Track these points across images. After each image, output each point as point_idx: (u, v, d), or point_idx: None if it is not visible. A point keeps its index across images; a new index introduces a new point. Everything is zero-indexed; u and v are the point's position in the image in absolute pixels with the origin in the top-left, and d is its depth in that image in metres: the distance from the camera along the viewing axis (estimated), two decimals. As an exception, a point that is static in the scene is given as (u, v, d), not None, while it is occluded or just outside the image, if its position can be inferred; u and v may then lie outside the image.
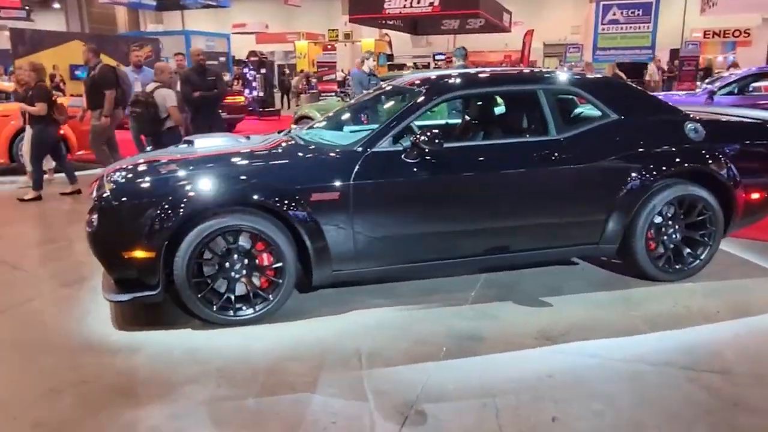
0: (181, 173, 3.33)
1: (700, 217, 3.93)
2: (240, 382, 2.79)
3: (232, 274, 3.33)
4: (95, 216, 3.24)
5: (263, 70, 16.25)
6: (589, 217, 3.77)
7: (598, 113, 3.91)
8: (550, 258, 4.03)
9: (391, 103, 4.49)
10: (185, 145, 3.98)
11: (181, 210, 3.15)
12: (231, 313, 3.33)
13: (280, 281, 3.36)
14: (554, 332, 3.27)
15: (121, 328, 3.38)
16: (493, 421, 2.46)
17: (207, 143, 3.85)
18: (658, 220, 3.89)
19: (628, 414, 2.52)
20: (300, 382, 2.79)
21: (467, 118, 4.76)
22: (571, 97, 4.45)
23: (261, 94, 16.19)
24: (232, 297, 3.34)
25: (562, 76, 3.97)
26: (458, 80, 3.83)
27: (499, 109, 4.54)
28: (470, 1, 20.48)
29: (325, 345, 3.15)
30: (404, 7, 20.57)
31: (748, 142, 4.04)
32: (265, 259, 3.38)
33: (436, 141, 3.35)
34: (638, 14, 22.85)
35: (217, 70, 7.79)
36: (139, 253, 3.18)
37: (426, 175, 3.46)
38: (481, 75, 3.96)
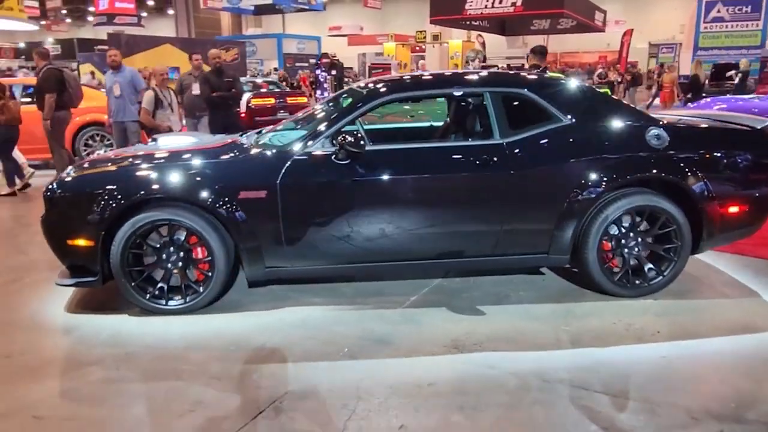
0: (121, 168, 3.57)
1: (663, 231, 3.68)
2: (137, 367, 2.97)
3: (167, 265, 3.53)
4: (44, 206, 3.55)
5: (333, 72, 16.66)
6: (535, 226, 3.63)
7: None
8: (498, 267, 3.92)
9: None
10: (152, 143, 4.23)
11: (115, 202, 3.38)
12: (163, 302, 3.53)
13: (210, 274, 3.52)
14: (468, 341, 3.19)
15: (71, 310, 3.67)
16: (340, 424, 2.47)
17: (168, 141, 4.08)
18: (614, 231, 3.69)
19: (482, 428, 2.45)
20: (190, 370, 2.93)
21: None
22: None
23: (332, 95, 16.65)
24: (165, 287, 3.53)
25: (511, 77, 3.84)
26: (399, 83, 3.81)
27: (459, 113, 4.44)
28: (555, 0, 19.93)
29: (237, 337, 3.27)
30: (485, 7, 20.38)
31: (723, 150, 3.72)
32: (200, 252, 3.55)
33: (361, 143, 3.37)
34: (746, 11, 21.20)
35: (234, 72, 8.05)
36: (81, 242, 3.45)
37: (355, 177, 3.48)
38: (424, 78, 3.92)
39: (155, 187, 3.42)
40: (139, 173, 3.50)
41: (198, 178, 3.45)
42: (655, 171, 3.60)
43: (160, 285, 3.53)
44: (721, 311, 3.56)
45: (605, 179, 3.56)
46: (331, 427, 2.45)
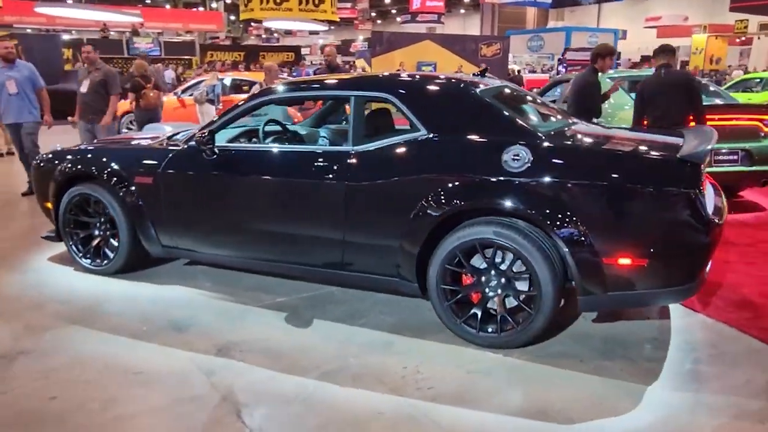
0: (74, 149, 4.38)
1: (518, 273, 3.00)
2: (15, 307, 3.72)
3: (95, 231, 4.24)
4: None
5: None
6: (378, 243, 3.30)
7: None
8: (351, 283, 3.70)
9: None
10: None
11: (59, 175, 4.20)
12: (88, 261, 4.24)
13: (117, 244, 4.11)
14: (237, 348, 3.16)
15: (51, 259, 4.58)
16: (46, 382, 2.83)
17: (149, 129, 4.77)
18: (476, 264, 3.13)
19: (106, 418, 2.55)
20: (34, 316, 3.56)
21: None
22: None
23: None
24: (92, 249, 4.24)
25: (379, 80, 3.44)
26: (279, 86, 3.79)
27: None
28: None
29: (102, 301, 3.77)
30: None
31: (611, 181, 2.82)
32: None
33: (207, 142, 3.56)
34: None
35: (348, 68, 8.25)
36: (48, 205, 4.37)
37: (211, 173, 3.68)
38: (301, 81, 3.77)
39: (82, 165, 4.13)
40: (82, 154, 4.26)
41: (112, 162, 4.04)
42: (497, 199, 2.95)
43: (88, 247, 4.25)
44: (571, 389, 2.75)
45: (444, 204, 3.06)
46: (33, 384, 2.83)
